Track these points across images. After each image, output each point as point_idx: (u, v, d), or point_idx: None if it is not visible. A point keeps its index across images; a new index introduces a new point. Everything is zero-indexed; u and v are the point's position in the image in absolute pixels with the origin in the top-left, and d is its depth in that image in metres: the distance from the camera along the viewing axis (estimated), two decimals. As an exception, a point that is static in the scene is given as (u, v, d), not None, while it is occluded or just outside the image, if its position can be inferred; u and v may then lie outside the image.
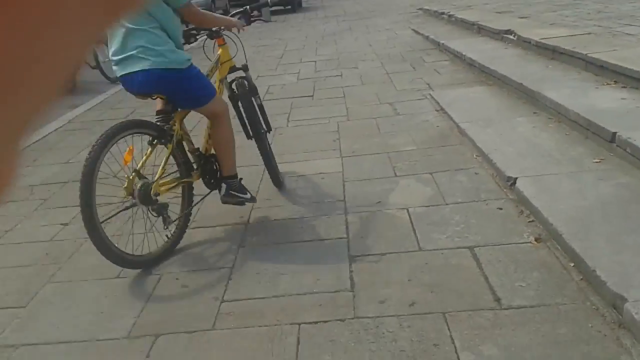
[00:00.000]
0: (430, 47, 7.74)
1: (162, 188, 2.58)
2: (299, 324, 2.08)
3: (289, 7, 17.37)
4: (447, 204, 2.92)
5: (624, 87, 3.90)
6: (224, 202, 2.91)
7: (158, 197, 2.55)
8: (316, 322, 2.08)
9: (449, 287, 2.20)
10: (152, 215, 2.59)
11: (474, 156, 3.53)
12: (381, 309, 2.12)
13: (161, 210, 2.57)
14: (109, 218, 2.53)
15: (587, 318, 1.92)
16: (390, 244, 2.58)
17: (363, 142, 4.09)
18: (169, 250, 2.68)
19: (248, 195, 2.94)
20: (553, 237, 2.42)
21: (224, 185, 2.88)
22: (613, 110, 3.43)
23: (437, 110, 4.64)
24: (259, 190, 3.39)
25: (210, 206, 3.12)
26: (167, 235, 2.70)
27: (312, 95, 5.81)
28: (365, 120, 4.64)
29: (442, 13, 9.95)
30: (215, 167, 2.92)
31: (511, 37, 6.35)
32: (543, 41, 5.44)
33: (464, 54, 6.26)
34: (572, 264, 2.22)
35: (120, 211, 2.57)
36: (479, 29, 7.53)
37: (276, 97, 5.90)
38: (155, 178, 2.54)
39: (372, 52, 7.95)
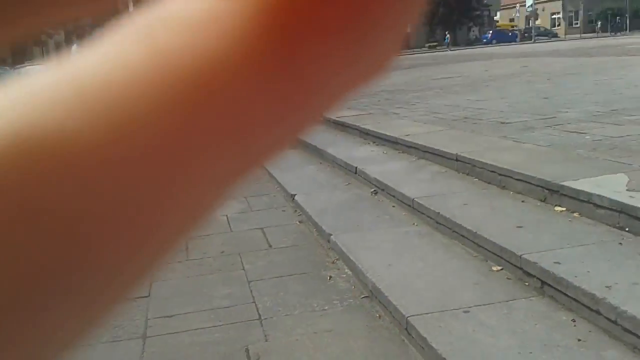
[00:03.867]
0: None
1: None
2: None
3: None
4: (252, 210, 4.46)
5: (376, 145, 5.86)
6: None
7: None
8: None
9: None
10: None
11: (277, 186, 5.16)
12: None
13: None
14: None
15: None
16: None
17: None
18: None
19: None
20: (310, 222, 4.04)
21: None
22: (363, 157, 5.31)
23: (257, 165, 6.28)
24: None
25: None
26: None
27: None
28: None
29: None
30: None
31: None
32: (337, 119, 7.44)
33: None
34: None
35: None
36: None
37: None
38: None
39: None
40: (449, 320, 2.28)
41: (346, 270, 3.16)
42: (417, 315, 2.35)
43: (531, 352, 2.01)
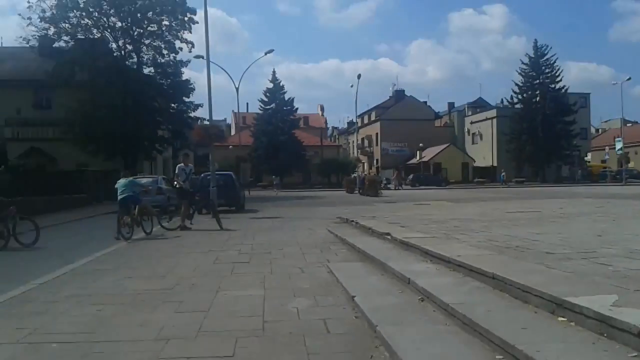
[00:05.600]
0: (337, 241, 10.67)
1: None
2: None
3: (233, 207, 20.65)
4: (318, 305, 5.42)
5: (432, 263, 6.72)
6: None
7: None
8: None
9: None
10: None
11: (342, 290, 6.10)
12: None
13: None
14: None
15: None
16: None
17: (278, 284, 6.61)
18: None
19: None
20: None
21: None
22: (418, 271, 6.19)
23: (328, 272, 7.30)
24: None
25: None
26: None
27: (249, 262, 8.40)
28: (282, 274, 7.21)
29: (352, 221, 13.19)
30: None
31: (388, 237, 9.35)
32: (404, 240, 8.41)
33: (356, 245, 9.17)
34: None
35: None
36: (372, 232, 10.59)
37: (223, 262, 8.43)
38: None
39: (294, 241, 10.80)
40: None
41: (385, 353, 4.01)
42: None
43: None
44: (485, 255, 6.40)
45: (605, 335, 3.40)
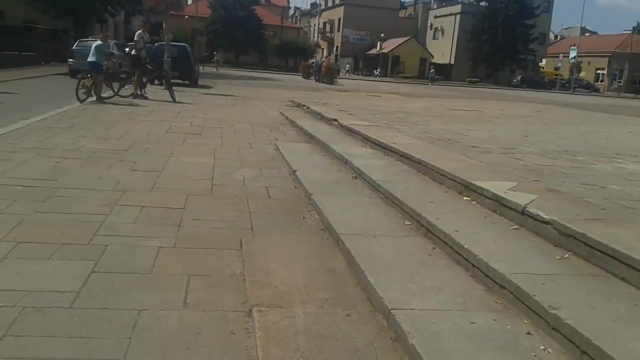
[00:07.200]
0: (287, 123, 11.16)
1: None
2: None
3: (187, 81, 20.55)
4: (263, 176, 6.01)
5: (370, 148, 7.35)
6: None
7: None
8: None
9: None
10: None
11: (286, 165, 6.70)
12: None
13: None
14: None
15: (300, 202, 5.04)
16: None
17: (228, 155, 7.13)
18: None
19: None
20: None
21: None
22: (357, 153, 6.81)
23: (275, 150, 7.85)
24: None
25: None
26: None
27: (200, 134, 8.83)
28: (232, 147, 7.72)
29: (303, 105, 13.61)
30: None
31: (335, 123, 9.89)
32: (349, 126, 8.97)
33: (304, 127, 9.69)
34: (304, 193, 5.37)
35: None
36: (321, 117, 11.10)
37: (176, 132, 8.82)
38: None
39: (246, 120, 11.22)
40: (362, 239, 3.78)
41: (315, 215, 4.67)
42: (346, 234, 3.87)
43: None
44: (418, 144, 7.06)
45: (497, 212, 4.13)
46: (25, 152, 6.26)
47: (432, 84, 48.40)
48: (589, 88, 59.03)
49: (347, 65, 60.06)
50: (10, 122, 8.31)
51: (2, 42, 23.81)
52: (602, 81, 65.21)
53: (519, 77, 60.46)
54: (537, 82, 59.53)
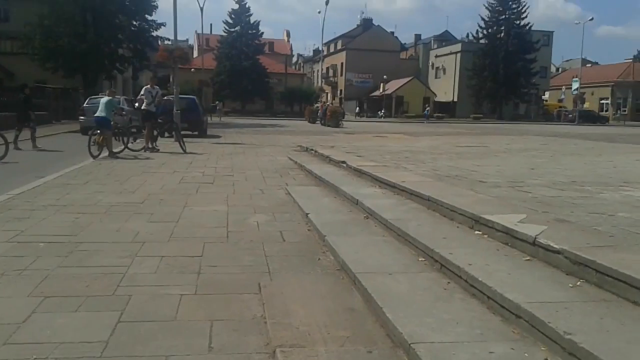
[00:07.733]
0: (296, 167, 11.36)
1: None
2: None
3: (196, 132, 20.97)
4: (276, 220, 6.13)
5: (380, 188, 7.49)
6: None
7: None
8: (211, 243, 5.12)
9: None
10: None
11: (298, 209, 6.82)
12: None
13: None
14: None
15: (315, 244, 5.14)
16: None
17: (241, 202, 7.28)
18: None
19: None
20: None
21: None
22: (366, 194, 6.94)
23: (286, 194, 8.00)
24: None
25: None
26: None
27: (213, 182, 9.02)
28: (244, 194, 7.88)
29: (311, 149, 13.85)
30: None
31: (344, 165, 10.06)
32: (358, 167, 9.14)
33: (313, 171, 9.86)
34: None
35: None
36: (329, 160, 11.29)
37: (189, 182, 9.02)
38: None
39: (256, 166, 11.43)
40: (378, 277, 3.87)
41: (330, 256, 4.77)
42: (362, 272, 3.96)
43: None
44: (426, 182, 7.19)
45: (509, 244, 4.22)
46: (44, 209, 6.45)
47: (427, 122, 49.08)
48: (596, 119, 57.86)
49: (357, 109, 62.73)
50: (27, 181, 8.55)
51: (12, 103, 24.45)
52: (606, 110, 65.47)
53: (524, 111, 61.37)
54: (543, 115, 60.09)
